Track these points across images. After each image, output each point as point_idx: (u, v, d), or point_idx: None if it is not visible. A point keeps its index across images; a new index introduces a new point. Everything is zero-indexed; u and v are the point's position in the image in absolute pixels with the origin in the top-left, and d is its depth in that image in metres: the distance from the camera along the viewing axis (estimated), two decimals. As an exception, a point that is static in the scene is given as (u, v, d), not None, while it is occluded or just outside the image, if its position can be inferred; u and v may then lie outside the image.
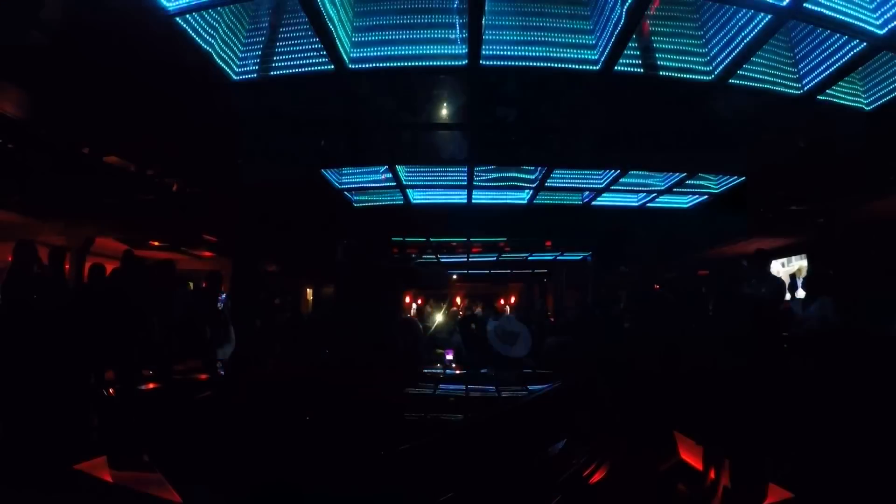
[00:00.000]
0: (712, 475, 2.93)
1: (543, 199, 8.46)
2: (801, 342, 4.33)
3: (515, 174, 7.63)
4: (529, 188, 8.00)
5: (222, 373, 5.81)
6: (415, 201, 8.57)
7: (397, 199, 8.49)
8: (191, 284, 9.16)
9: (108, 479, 1.89)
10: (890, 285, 4.31)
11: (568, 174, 7.58)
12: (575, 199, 8.71)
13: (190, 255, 13.14)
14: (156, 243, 11.62)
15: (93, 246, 9.58)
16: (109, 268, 5.89)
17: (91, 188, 7.84)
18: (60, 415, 3.74)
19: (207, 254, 12.92)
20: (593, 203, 8.66)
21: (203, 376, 5.71)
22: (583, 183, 7.97)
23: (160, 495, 1.32)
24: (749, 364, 3.60)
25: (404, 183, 7.68)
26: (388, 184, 7.72)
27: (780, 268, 10.53)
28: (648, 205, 8.74)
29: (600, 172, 7.53)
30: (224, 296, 8.71)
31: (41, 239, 8.43)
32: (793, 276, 8.56)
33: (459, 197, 8.40)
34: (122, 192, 7.95)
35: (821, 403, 3.80)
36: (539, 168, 7.18)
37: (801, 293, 5.47)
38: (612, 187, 7.86)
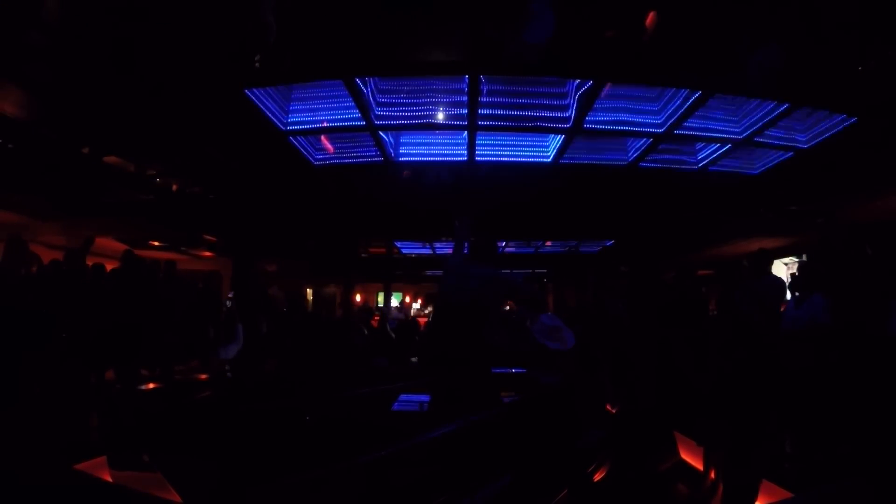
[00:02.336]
0: (713, 475, 2.93)
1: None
2: (794, 340, 4.33)
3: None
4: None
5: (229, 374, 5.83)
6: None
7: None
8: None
9: (108, 478, 1.89)
10: (889, 285, 4.30)
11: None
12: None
13: (190, 255, 13.15)
14: (156, 243, 11.63)
15: (93, 246, 9.58)
16: (109, 268, 5.89)
17: (91, 188, 7.84)
18: (57, 414, 3.74)
19: (207, 254, 12.92)
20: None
21: (203, 376, 5.72)
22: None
23: (160, 495, 1.32)
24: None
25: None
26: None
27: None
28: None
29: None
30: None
31: (41, 239, 8.46)
32: (793, 276, 8.56)
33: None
34: (122, 192, 7.95)
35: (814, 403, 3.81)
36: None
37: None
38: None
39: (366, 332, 6.86)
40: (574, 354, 4.67)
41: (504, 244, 12.21)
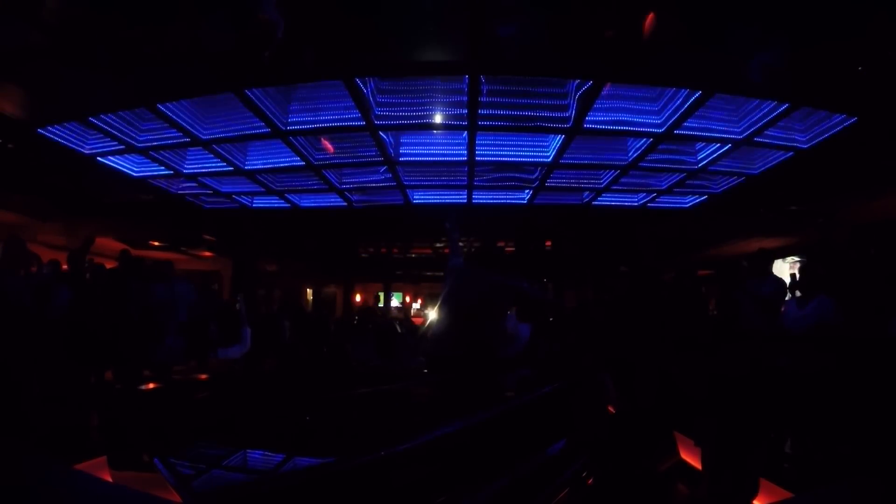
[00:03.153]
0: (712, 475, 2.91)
1: (544, 199, 8.46)
2: (798, 341, 4.32)
3: (516, 174, 7.60)
4: (530, 188, 8.01)
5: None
6: (415, 201, 8.61)
7: (397, 200, 8.53)
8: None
9: (108, 478, 1.90)
10: (889, 286, 4.31)
11: (568, 174, 7.54)
12: (575, 200, 8.71)
13: (190, 255, 13.15)
14: (156, 243, 11.63)
15: (93, 246, 9.57)
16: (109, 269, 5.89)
17: (91, 188, 7.84)
18: (54, 414, 3.73)
19: (207, 254, 12.92)
20: (594, 203, 8.65)
21: (203, 376, 5.72)
22: (583, 183, 7.95)
23: (160, 495, 1.31)
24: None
25: (404, 183, 7.70)
26: (387, 184, 7.75)
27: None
28: (649, 205, 8.73)
29: (600, 172, 7.51)
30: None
31: (41, 239, 8.46)
32: (793, 276, 8.56)
33: (460, 197, 8.43)
34: (122, 192, 7.96)
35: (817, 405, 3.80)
36: (539, 168, 7.14)
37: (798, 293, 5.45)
38: (613, 187, 7.84)
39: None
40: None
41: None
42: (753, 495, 2.91)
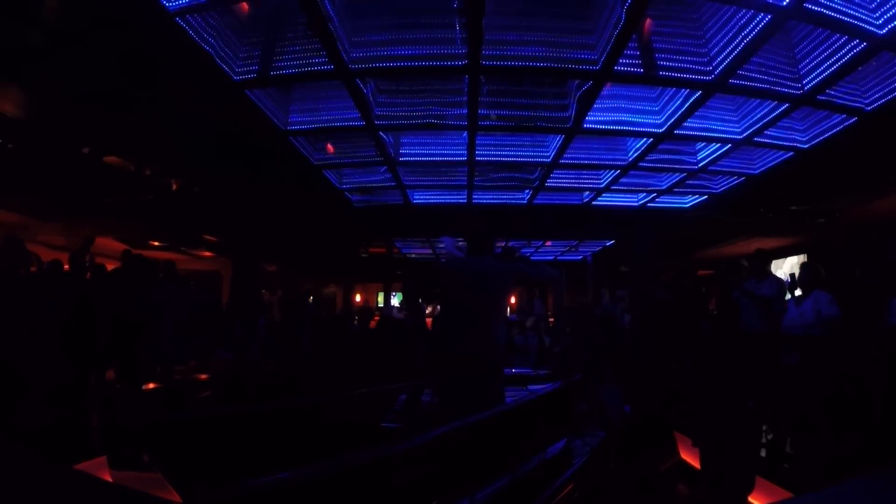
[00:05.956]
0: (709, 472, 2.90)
1: (543, 199, 8.47)
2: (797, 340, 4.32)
3: (516, 174, 7.61)
4: (530, 188, 8.00)
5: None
6: (415, 201, 8.62)
7: (397, 200, 8.55)
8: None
9: (108, 478, 1.89)
10: (889, 284, 4.31)
11: (568, 174, 7.54)
12: (575, 200, 8.70)
13: (190, 255, 13.15)
14: (156, 243, 11.63)
15: (93, 246, 9.58)
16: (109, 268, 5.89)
17: (91, 188, 7.84)
18: (54, 414, 3.73)
19: (207, 254, 12.92)
20: (594, 203, 8.63)
21: (203, 376, 5.72)
22: (583, 183, 7.94)
23: (160, 495, 1.31)
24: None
25: (404, 183, 7.71)
26: (387, 184, 7.75)
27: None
28: (649, 205, 8.72)
29: (600, 172, 7.51)
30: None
31: (41, 239, 8.46)
32: (792, 276, 8.56)
33: (460, 198, 8.44)
34: (122, 192, 7.95)
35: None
36: (539, 168, 7.14)
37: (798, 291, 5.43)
38: (613, 187, 7.82)
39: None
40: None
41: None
42: (749, 491, 2.92)
